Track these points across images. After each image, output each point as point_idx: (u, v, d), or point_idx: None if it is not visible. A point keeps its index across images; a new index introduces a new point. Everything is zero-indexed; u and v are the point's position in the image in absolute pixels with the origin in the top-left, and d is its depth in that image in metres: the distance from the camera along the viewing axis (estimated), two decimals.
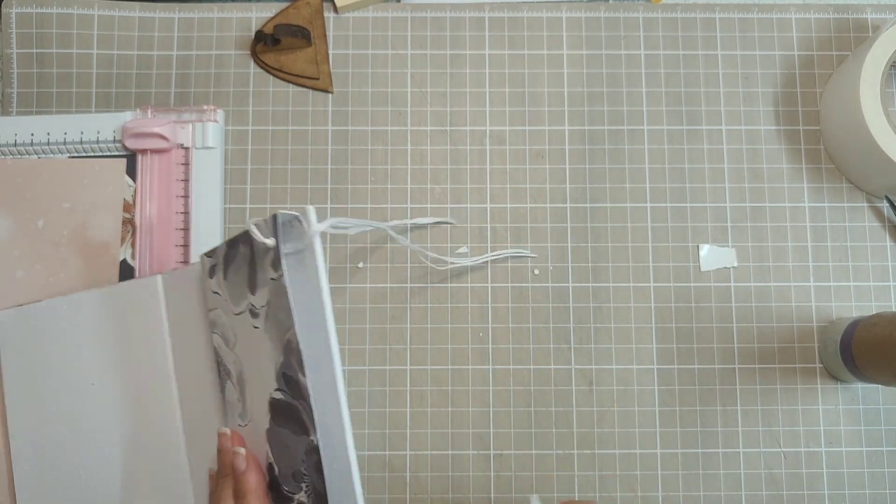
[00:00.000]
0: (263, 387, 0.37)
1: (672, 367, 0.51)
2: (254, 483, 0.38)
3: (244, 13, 0.54)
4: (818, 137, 0.53)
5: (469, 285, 0.51)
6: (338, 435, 0.34)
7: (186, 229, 0.50)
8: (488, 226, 0.52)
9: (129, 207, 0.50)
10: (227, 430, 0.40)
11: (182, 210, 0.50)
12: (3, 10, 0.53)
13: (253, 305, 0.37)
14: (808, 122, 0.53)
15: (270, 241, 0.34)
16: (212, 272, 0.40)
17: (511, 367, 0.50)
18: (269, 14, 0.54)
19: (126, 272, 0.50)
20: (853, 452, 0.50)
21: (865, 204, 0.52)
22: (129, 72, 0.53)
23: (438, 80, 0.53)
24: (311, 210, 0.34)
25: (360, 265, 0.51)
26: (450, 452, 0.50)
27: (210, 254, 0.40)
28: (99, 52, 0.53)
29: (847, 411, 0.50)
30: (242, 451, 0.38)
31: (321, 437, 0.34)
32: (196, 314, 0.42)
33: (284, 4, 0.54)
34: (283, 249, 0.34)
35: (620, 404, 0.50)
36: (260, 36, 0.52)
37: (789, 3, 0.55)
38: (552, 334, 0.51)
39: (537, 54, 0.54)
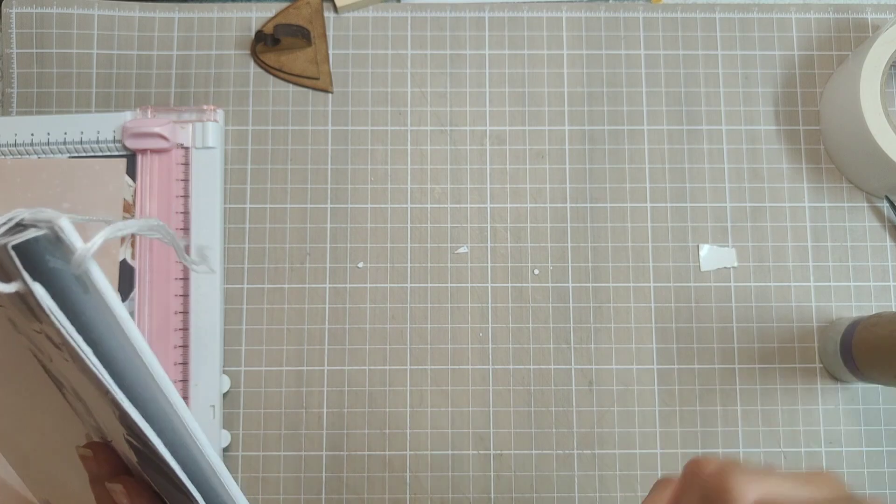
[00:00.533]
0: (111, 420, 0.27)
1: (672, 367, 0.51)
2: None
3: (244, 13, 0.54)
4: (818, 137, 0.53)
5: (469, 285, 0.51)
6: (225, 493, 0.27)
7: (186, 229, 0.50)
8: (488, 226, 0.52)
9: (129, 207, 0.50)
10: (90, 452, 0.31)
11: (182, 210, 0.50)
12: (3, 9, 0.53)
13: (48, 335, 0.25)
14: (809, 121, 0.53)
15: (9, 288, 0.21)
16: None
17: (511, 366, 0.50)
18: (269, 14, 0.54)
19: (126, 272, 0.50)
20: (853, 452, 0.50)
21: (865, 204, 0.52)
22: (129, 72, 0.53)
23: (438, 80, 0.53)
24: (69, 225, 0.22)
25: (360, 265, 0.51)
26: (450, 452, 0.50)
27: None
28: (99, 52, 0.53)
29: (847, 411, 0.50)
30: (119, 486, 0.30)
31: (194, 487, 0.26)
32: None
33: (284, 4, 0.54)
34: (46, 301, 0.21)
35: (620, 404, 0.50)
36: (260, 36, 0.52)
37: (789, 3, 0.55)
38: (552, 334, 0.51)
39: (537, 54, 0.54)
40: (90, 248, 0.21)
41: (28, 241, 0.21)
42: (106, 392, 0.23)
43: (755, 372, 0.51)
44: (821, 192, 0.52)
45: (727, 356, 0.51)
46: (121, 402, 0.23)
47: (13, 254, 0.20)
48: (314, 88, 0.53)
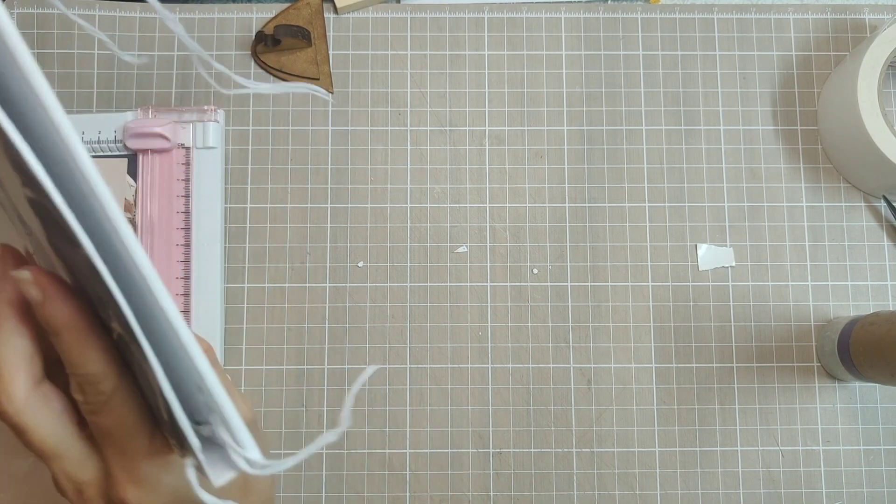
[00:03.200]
0: (9, 178, 0.24)
1: (670, 365, 0.51)
2: (64, 313, 0.25)
3: (245, 14, 0.54)
4: (816, 137, 0.53)
5: (468, 284, 0.51)
6: (118, 241, 0.22)
7: (187, 229, 0.50)
8: (487, 225, 0.52)
9: (130, 207, 0.50)
10: None
11: (183, 210, 0.51)
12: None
13: None
14: (806, 122, 0.53)
15: None
16: None
17: (510, 365, 0.51)
18: (270, 15, 0.54)
19: None
20: (851, 451, 0.50)
21: (863, 203, 0.53)
22: (129, 72, 0.53)
23: (438, 80, 0.54)
24: None
25: (360, 264, 0.52)
26: (449, 451, 0.50)
27: None
28: (100, 52, 0.54)
29: (845, 410, 0.51)
30: (26, 274, 0.25)
31: (95, 249, 0.22)
32: None
33: (285, 5, 0.54)
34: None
35: (619, 403, 0.50)
36: (260, 36, 0.52)
37: (787, 4, 0.55)
38: (551, 333, 0.51)
39: (536, 55, 0.54)
40: None
41: None
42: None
43: (753, 371, 0.51)
44: (818, 191, 0.53)
45: (725, 355, 0.51)
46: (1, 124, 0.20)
47: None
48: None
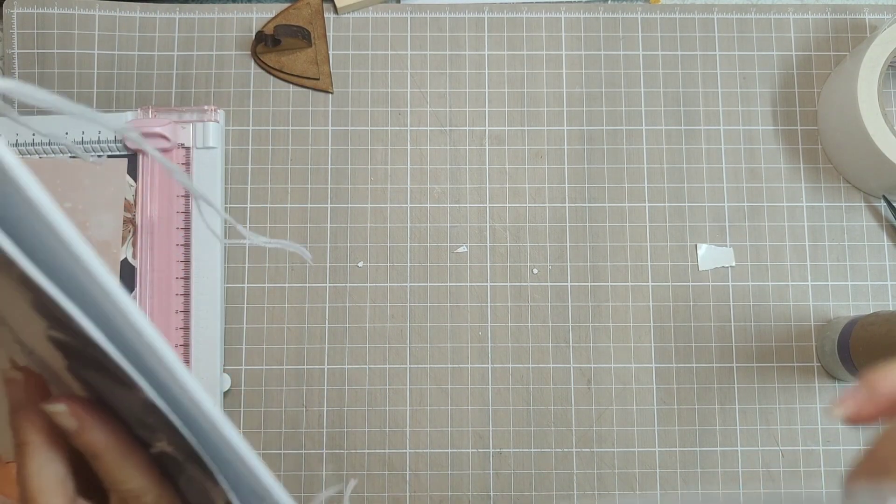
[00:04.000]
0: (24, 318, 0.24)
1: (670, 365, 0.51)
2: (102, 439, 0.26)
3: (245, 14, 0.54)
4: (816, 137, 0.53)
5: (468, 284, 0.51)
6: (173, 380, 0.23)
7: (187, 229, 0.50)
8: (487, 225, 0.52)
9: (130, 207, 0.50)
10: (20, 375, 0.28)
11: (183, 210, 0.51)
12: (5, 10, 0.54)
13: None
14: (806, 121, 0.53)
15: None
16: None
17: (510, 365, 0.51)
18: (270, 15, 0.54)
19: (127, 271, 0.50)
20: (851, 451, 0.50)
21: (863, 203, 0.53)
22: (130, 72, 0.53)
23: (438, 80, 0.54)
24: None
25: (360, 264, 0.52)
26: (449, 451, 0.50)
27: None
28: (100, 52, 0.54)
29: None
30: (62, 407, 0.26)
31: (153, 390, 0.24)
32: None
33: (285, 5, 0.54)
34: None
35: (619, 403, 0.50)
36: (260, 36, 0.52)
37: (787, 4, 0.55)
38: (551, 333, 0.51)
39: (536, 55, 0.54)
40: None
41: None
42: (18, 277, 0.20)
43: (753, 371, 0.51)
44: (818, 191, 0.53)
45: (725, 355, 0.51)
46: (30, 274, 0.20)
47: None
48: (314, 89, 0.54)
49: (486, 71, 0.54)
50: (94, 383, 0.26)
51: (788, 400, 0.51)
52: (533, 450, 0.50)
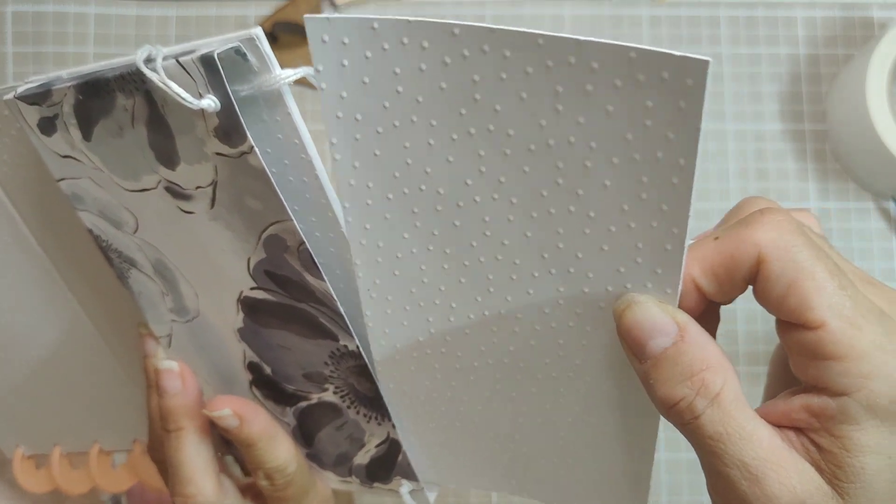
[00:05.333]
0: (219, 281, 0.28)
1: None
2: (258, 430, 0.30)
3: (242, 11, 0.54)
4: (824, 137, 0.52)
5: None
6: (366, 333, 0.27)
7: None
8: None
9: None
10: (143, 331, 0.32)
11: None
12: None
13: (174, 183, 0.26)
14: (814, 121, 0.52)
15: (208, 104, 0.21)
16: (47, 127, 0.26)
17: None
18: (267, 12, 0.53)
19: None
20: None
21: (872, 205, 0.52)
22: None
23: None
24: (262, 38, 0.23)
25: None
26: None
27: (29, 97, 0.26)
28: (95, 51, 0.53)
29: None
30: (227, 411, 0.29)
31: (360, 342, 0.27)
32: (30, 177, 0.30)
33: (283, 2, 0.54)
34: (243, 117, 0.22)
35: None
36: None
37: (795, 1, 0.54)
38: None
39: None
40: (289, 77, 0.23)
41: (225, 52, 0.21)
42: (266, 224, 0.25)
43: (760, 375, 0.50)
44: (827, 192, 0.52)
45: (731, 359, 0.50)
46: (299, 228, 0.24)
47: (219, 67, 0.21)
48: (313, 87, 0.53)
49: None
50: (270, 343, 0.29)
51: None
52: None
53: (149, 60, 0.22)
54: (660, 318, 0.21)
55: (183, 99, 0.21)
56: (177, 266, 0.29)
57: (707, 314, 0.23)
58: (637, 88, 0.18)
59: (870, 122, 0.47)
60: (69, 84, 0.24)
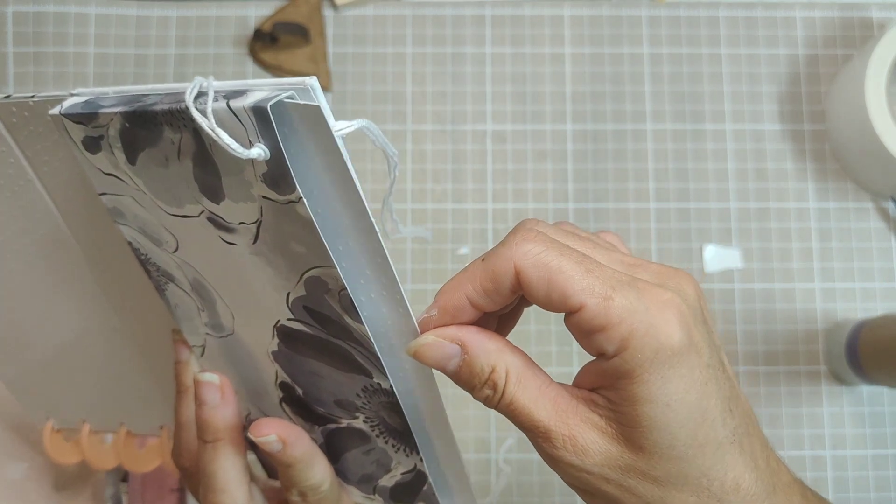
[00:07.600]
0: (257, 307, 0.28)
1: None
2: (298, 453, 0.30)
3: (242, 11, 0.54)
4: (823, 137, 0.52)
5: None
6: (411, 376, 0.28)
7: None
8: (489, 226, 0.51)
9: None
10: (177, 337, 0.32)
11: None
12: None
13: (218, 216, 0.26)
14: (813, 121, 0.53)
15: (258, 153, 0.21)
16: (91, 145, 0.26)
17: None
18: (268, 12, 0.53)
19: None
20: (858, 456, 0.49)
21: (871, 204, 0.52)
22: (126, 71, 0.53)
23: (439, 78, 0.53)
24: (319, 91, 0.22)
25: None
26: None
27: (75, 115, 0.25)
28: (96, 51, 0.53)
29: (852, 414, 0.50)
30: (273, 437, 0.30)
31: (394, 382, 0.28)
32: (71, 179, 0.30)
33: (283, 2, 0.54)
34: (293, 164, 0.22)
35: None
36: (258, 34, 0.52)
37: (794, 1, 0.54)
38: (554, 337, 0.50)
39: (539, 53, 0.53)
40: (343, 129, 0.22)
41: (279, 104, 0.21)
42: (308, 267, 0.25)
43: (759, 374, 0.50)
44: (826, 192, 0.52)
45: (731, 358, 0.50)
46: (343, 278, 0.25)
47: (272, 122, 0.21)
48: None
49: (489, 69, 0.53)
50: (303, 369, 0.30)
51: (795, 404, 0.50)
52: (535, 456, 0.49)
53: (199, 95, 0.22)
54: (441, 347, 0.25)
55: (233, 150, 0.21)
56: (215, 288, 0.29)
57: (505, 317, 0.28)
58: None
59: (869, 122, 0.47)
60: (116, 110, 0.24)
